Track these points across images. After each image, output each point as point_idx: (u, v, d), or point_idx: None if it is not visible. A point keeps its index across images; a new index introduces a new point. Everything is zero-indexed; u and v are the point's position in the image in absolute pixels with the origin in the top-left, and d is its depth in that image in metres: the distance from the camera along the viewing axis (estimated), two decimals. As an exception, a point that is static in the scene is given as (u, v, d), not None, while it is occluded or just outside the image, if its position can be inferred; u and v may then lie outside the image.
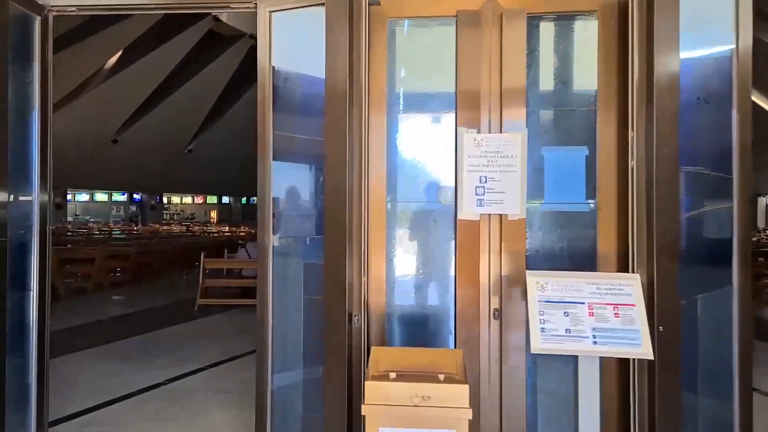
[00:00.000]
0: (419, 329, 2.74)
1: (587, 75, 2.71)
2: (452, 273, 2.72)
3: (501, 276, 2.64)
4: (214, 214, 44.66)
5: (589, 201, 2.67)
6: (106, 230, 25.88)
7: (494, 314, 2.65)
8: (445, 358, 2.19)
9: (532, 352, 1.99)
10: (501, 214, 2.64)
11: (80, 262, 10.73)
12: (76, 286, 9.77)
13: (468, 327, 2.65)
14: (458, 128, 2.68)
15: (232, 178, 40.55)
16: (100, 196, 41.20)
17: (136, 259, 11.06)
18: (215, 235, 24.66)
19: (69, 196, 37.51)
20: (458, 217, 2.67)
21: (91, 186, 38.30)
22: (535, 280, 2.13)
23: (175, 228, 29.91)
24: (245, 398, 4.05)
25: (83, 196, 40.93)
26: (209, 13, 27.93)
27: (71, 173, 33.11)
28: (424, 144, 2.81)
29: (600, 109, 2.65)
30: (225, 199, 45.14)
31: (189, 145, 36.50)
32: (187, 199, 45.47)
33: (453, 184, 2.72)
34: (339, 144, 2.51)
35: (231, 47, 31.67)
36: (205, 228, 31.17)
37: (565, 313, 2.03)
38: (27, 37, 2.74)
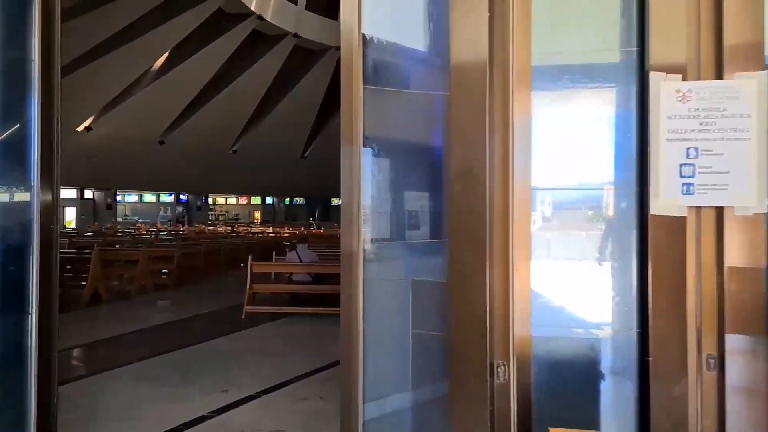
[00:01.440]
0: (584, 382, 1.81)
1: None
2: (635, 297, 1.79)
3: (723, 303, 1.68)
4: (257, 215, 44.78)
5: None
6: (153, 231, 26.00)
7: (708, 363, 1.70)
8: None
9: None
10: (722, 207, 1.69)
11: (125, 263, 10.31)
12: (119, 290, 9.30)
13: (667, 381, 1.71)
14: (651, 75, 1.74)
15: (275, 178, 40.50)
16: (148, 197, 41.91)
17: (180, 260, 10.54)
18: (259, 235, 24.32)
19: (119, 197, 38.26)
20: (650, 212, 1.73)
21: (139, 187, 38.97)
22: None
23: (221, 228, 29.86)
24: (308, 442, 3.23)
25: (132, 197, 41.73)
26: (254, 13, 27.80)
27: (121, 174, 33.72)
28: (589, 119, 1.89)
29: None
30: (268, 200, 45.19)
31: (234, 146, 36.60)
32: (232, 200, 45.77)
33: (635, 163, 1.80)
34: (475, 109, 1.64)
35: (275, 47, 31.52)
36: (249, 228, 31.03)
37: None
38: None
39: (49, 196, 2.06)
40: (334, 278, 8.57)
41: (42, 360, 2.03)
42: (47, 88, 2.29)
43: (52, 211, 2.06)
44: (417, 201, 1.88)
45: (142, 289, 9.24)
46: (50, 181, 2.13)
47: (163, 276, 10.63)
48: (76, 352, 5.22)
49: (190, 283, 10.62)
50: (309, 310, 7.22)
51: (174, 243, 14.28)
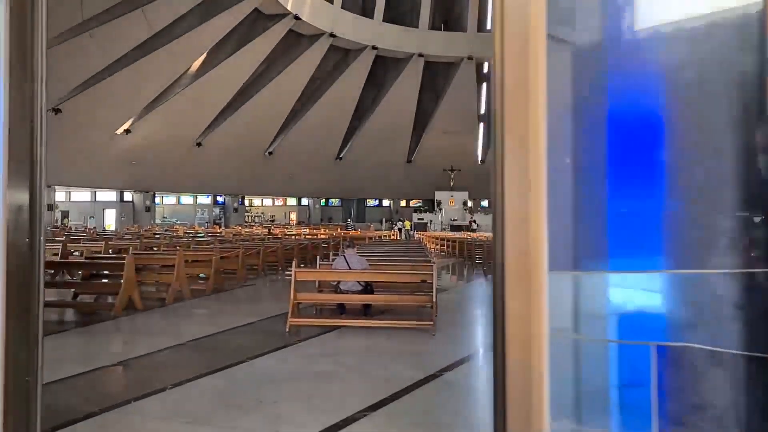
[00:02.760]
0: None
1: None
2: None
3: None
4: (293, 216, 44.60)
5: None
6: (190, 233, 25.85)
7: None
8: None
9: None
10: None
11: (161, 268, 9.81)
12: (155, 296, 8.76)
13: None
14: None
15: (311, 179, 40.17)
16: (186, 199, 42.23)
17: (218, 265, 9.97)
18: (296, 237, 23.82)
19: (157, 199, 38.61)
20: None
21: (177, 189, 39.26)
22: None
23: (257, 230, 29.56)
24: None
25: (170, 199, 42.13)
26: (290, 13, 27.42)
27: (159, 177, 33.92)
28: None
29: None
30: (304, 201, 44.93)
31: (269, 148, 36.38)
32: (268, 201, 45.73)
33: None
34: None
35: (311, 47, 31.15)
36: (285, 230, 30.64)
37: None
38: None
39: (24, 198, 1.32)
40: (386, 287, 7.79)
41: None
42: (19, 55, 1.56)
43: (31, 220, 1.32)
44: (662, 197, 1.04)
45: (179, 295, 8.68)
46: (27, 177, 1.39)
47: (200, 281, 10.10)
48: (99, 376, 4.57)
49: (228, 289, 10.05)
50: (362, 322, 6.45)
51: (211, 246, 13.80)
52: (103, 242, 13.00)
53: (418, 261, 10.24)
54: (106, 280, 9.07)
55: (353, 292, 6.88)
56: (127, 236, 20.08)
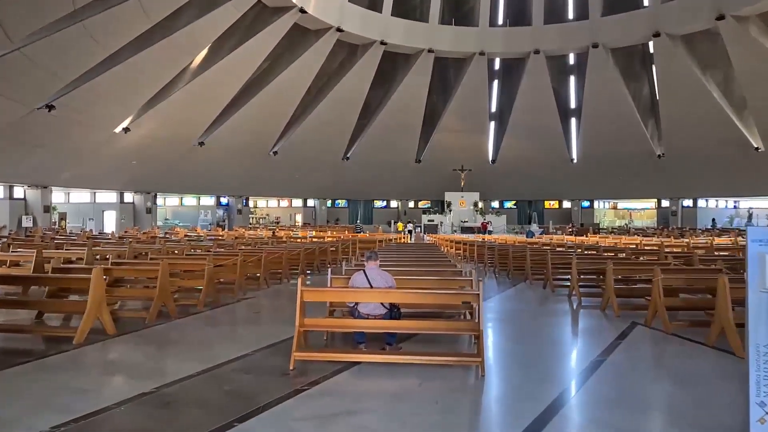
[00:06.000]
0: None
1: None
2: None
3: None
4: (299, 218, 43.23)
5: None
6: (191, 235, 24.51)
7: None
8: None
9: None
10: None
11: (146, 280, 8.44)
12: (133, 315, 7.35)
13: None
14: None
15: (317, 180, 38.75)
16: (189, 200, 40.95)
17: (212, 275, 8.56)
18: (300, 239, 22.42)
19: (159, 200, 37.30)
20: None
21: (179, 190, 37.97)
22: None
23: (261, 232, 28.17)
24: None
25: (173, 200, 40.86)
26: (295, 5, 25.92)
27: (160, 177, 32.59)
28: None
29: None
30: (310, 202, 43.53)
31: (274, 147, 35.00)
32: (272, 203, 44.40)
33: None
34: None
35: (317, 41, 29.68)
36: (290, 232, 29.24)
37: None
38: None
39: None
40: (412, 306, 6.36)
41: None
42: None
43: None
44: None
45: (164, 311, 7.27)
46: None
47: (197, 291, 8.69)
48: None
49: (224, 303, 8.62)
50: (386, 358, 5.00)
51: (209, 251, 12.40)
52: (86, 248, 11.61)
53: (444, 270, 8.80)
54: (76, 297, 7.66)
55: (375, 316, 5.43)
56: (127, 239, 18.76)
